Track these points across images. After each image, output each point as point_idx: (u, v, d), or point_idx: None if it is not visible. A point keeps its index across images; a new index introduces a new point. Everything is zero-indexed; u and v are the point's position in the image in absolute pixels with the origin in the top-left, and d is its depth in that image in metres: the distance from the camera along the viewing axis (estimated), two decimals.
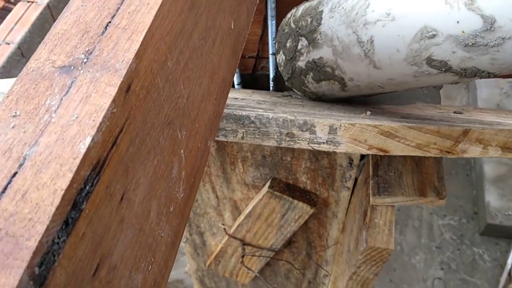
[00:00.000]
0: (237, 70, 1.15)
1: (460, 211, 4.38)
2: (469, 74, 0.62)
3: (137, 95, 0.41)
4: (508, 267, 4.04)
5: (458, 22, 0.57)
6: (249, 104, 0.80)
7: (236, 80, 1.16)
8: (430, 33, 0.60)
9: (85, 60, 0.39)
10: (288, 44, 0.86)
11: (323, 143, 0.73)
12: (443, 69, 0.64)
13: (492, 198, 3.94)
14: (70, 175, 0.33)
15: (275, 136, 0.74)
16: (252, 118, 0.72)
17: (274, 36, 0.99)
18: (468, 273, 4.06)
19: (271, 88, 1.15)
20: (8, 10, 3.69)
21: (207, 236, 1.53)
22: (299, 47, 0.83)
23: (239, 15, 0.74)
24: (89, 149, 0.34)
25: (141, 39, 0.41)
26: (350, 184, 1.15)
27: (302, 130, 0.72)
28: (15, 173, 0.33)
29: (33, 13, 3.39)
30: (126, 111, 0.39)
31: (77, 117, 0.36)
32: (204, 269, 1.72)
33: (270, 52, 1.06)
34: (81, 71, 0.39)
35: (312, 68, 0.83)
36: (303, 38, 0.82)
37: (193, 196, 0.61)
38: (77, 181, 0.33)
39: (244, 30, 0.78)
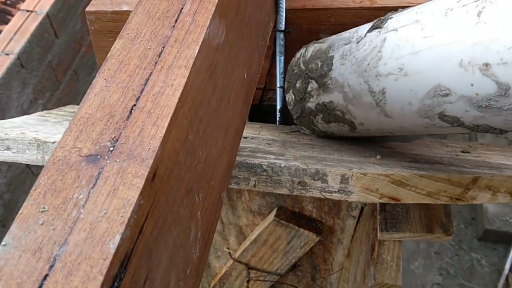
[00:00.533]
0: None
1: (458, 216, 4.39)
2: (481, 130, 0.63)
3: (161, 179, 0.41)
4: (505, 272, 4.05)
5: (472, 85, 0.57)
6: (259, 147, 0.80)
7: None
8: (444, 92, 0.61)
9: (111, 148, 0.40)
10: (297, 85, 0.86)
11: (335, 192, 0.73)
12: (455, 124, 0.64)
13: (489, 203, 3.96)
14: (101, 278, 0.33)
15: (287, 185, 0.75)
16: (264, 167, 0.73)
17: (282, 71, 1.00)
18: (466, 278, 4.07)
19: (277, 119, 1.15)
20: (4, 12, 3.67)
21: (212, 258, 1.54)
22: (309, 89, 0.84)
23: (252, 63, 0.74)
24: (118, 248, 0.35)
25: (166, 124, 0.41)
26: (356, 213, 1.16)
27: (314, 179, 0.73)
28: (46, 276, 0.33)
29: (33, 23, 3.37)
30: (151, 198, 0.40)
31: (105, 213, 0.36)
32: None
33: (278, 85, 1.06)
34: (108, 161, 0.39)
35: (322, 110, 0.83)
36: (313, 81, 0.82)
37: (207, 251, 0.61)
38: (107, 282, 0.34)
39: (256, 75, 0.78)
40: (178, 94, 0.43)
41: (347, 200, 1.13)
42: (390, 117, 0.72)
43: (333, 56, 0.78)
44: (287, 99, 0.90)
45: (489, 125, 0.61)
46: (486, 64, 0.55)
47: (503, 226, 4.07)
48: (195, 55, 0.47)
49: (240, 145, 0.83)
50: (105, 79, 0.45)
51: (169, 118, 0.42)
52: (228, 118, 0.65)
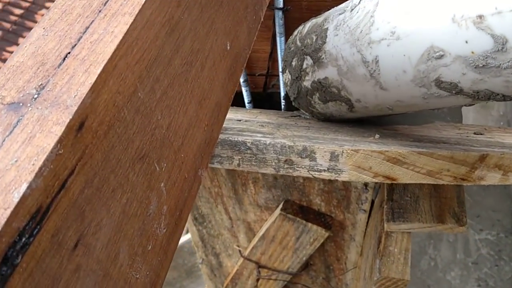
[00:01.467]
0: (247, 88, 1.11)
1: (498, 225, 4.20)
2: (482, 97, 0.56)
3: (94, 132, 0.37)
4: None
5: (466, 42, 0.51)
6: (250, 128, 0.75)
7: (246, 98, 1.12)
8: (438, 53, 0.55)
9: (35, 96, 0.36)
10: (293, 63, 0.81)
11: (324, 170, 0.67)
12: (454, 92, 0.58)
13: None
14: None
15: (273, 163, 0.70)
16: (248, 144, 0.68)
17: (283, 53, 0.95)
18: None
19: (282, 107, 1.10)
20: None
21: (223, 257, 1.49)
22: (304, 66, 0.79)
23: (238, 35, 0.70)
24: (24, 197, 0.31)
25: (99, 71, 0.37)
26: (366, 206, 1.09)
27: (301, 157, 0.67)
28: None
29: None
30: (78, 151, 0.36)
31: (16, 161, 0.32)
32: None
33: (280, 70, 1.01)
34: (30, 108, 0.35)
35: (317, 88, 0.78)
36: (308, 57, 0.77)
37: (179, 230, 0.57)
38: (7, 234, 0.30)
39: (245, 50, 0.74)
40: (117, 41, 0.39)
41: (356, 192, 1.06)
42: (386, 89, 0.66)
43: (327, 28, 0.73)
44: (284, 79, 0.85)
45: (490, 90, 0.55)
46: (480, 16, 0.49)
47: None
48: (143, 2, 0.43)
49: (231, 126, 0.78)
50: (43, 28, 0.41)
51: (102, 65, 0.38)
52: (204, 88, 0.60)
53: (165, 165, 0.50)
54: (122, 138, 0.42)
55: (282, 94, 1.07)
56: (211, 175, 1.18)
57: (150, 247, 0.49)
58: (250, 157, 0.69)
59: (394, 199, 0.90)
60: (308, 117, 0.90)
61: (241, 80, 1.07)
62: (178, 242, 0.57)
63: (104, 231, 0.40)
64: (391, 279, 0.86)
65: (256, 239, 1.29)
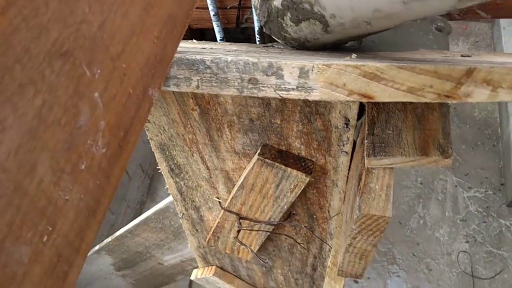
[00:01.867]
0: (218, 23, 1.02)
1: (486, 183, 4.20)
2: None
3: None
4: None
5: None
6: (214, 53, 0.68)
7: (218, 35, 1.04)
8: None
9: None
10: None
11: (293, 89, 0.60)
12: None
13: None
14: None
15: (236, 83, 0.62)
16: (207, 63, 0.60)
17: None
18: (494, 245, 3.90)
19: (257, 42, 1.02)
20: None
21: (204, 210, 1.43)
22: None
23: None
24: None
25: None
26: (348, 148, 1.02)
27: (267, 75, 0.60)
28: None
29: None
30: None
31: None
32: (205, 246, 1.63)
33: (252, 2, 0.93)
34: None
35: (288, 6, 0.70)
36: None
37: (125, 154, 0.50)
38: None
39: None
40: None
41: (337, 132, 0.99)
42: None
43: None
44: (253, 2, 0.77)
45: None
46: None
47: None
48: None
49: (192, 50, 0.70)
50: None
51: None
52: None
53: (98, 71, 0.43)
54: (31, 23, 0.34)
55: (257, 28, 0.99)
56: (183, 120, 1.10)
57: (83, 166, 0.42)
58: (210, 77, 0.61)
59: (375, 133, 0.83)
60: (281, 46, 0.83)
61: (211, 14, 0.98)
62: (123, 167, 0.50)
63: (10, 134, 0.33)
64: (372, 217, 0.80)
65: (235, 188, 1.23)
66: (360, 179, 0.84)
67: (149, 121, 1.14)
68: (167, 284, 2.45)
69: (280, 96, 0.62)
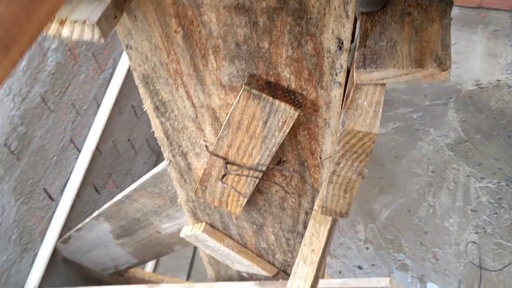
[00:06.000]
0: None
1: (499, 174, 4.07)
2: None
3: None
4: None
5: None
6: None
7: None
8: None
9: None
10: None
11: None
12: None
13: None
14: None
15: None
16: None
17: None
18: (504, 237, 3.77)
19: None
20: None
21: (191, 157, 1.36)
22: None
23: None
24: None
25: None
26: (341, 78, 0.93)
27: None
28: None
29: None
30: None
31: None
32: (194, 199, 1.56)
33: None
34: None
35: None
36: None
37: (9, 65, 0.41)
38: None
39: None
40: None
41: (330, 58, 0.91)
42: None
43: None
44: None
45: None
46: None
47: None
48: None
49: None
50: None
51: None
52: None
53: None
54: None
55: None
56: (166, 45, 1.02)
57: None
58: None
59: (367, 45, 0.75)
60: None
61: None
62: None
63: None
64: (356, 134, 0.71)
65: (221, 129, 1.15)
66: (347, 96, 0.76)
67: (131, 48, 1.07)
68: (166, 254, 2.39)
69: None
